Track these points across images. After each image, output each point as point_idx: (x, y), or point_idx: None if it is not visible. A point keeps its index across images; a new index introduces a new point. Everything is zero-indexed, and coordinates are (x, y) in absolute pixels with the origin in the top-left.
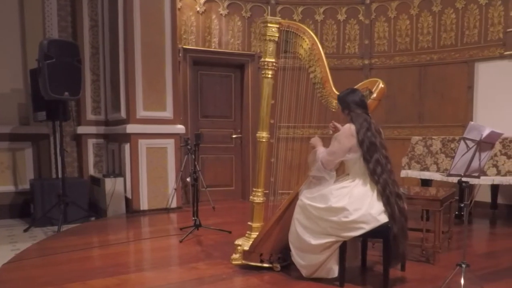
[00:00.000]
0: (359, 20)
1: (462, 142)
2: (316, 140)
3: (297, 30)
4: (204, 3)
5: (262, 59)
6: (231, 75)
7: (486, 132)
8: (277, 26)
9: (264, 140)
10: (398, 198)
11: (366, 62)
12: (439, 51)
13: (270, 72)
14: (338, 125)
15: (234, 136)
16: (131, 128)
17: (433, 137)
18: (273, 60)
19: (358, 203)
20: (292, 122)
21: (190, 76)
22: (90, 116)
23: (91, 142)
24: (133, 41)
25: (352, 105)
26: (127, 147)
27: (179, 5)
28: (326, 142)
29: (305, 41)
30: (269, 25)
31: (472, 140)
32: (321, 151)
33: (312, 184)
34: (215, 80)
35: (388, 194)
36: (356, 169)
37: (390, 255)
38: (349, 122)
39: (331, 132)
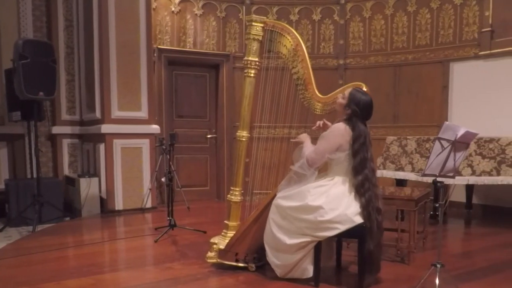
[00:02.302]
0: (334, 20)
1: (437, 142)
2: (304, 136)
3: (282, 30)
4: (179, 3)
5: (245, 58)
6: (206, 75)
7: (461, 132)
8: (262, 25)
9: (244, 139)
10: (378, 213)
11: (341, 62)
12: (414, 51)
13: (252, 71)
14: (328, 123)
15: (209, 136)
16: (106, 128)
17: (408, 137)
18: (256, 59)
19: (334, 203)
20: (270, 122)
21: (165, 76)
22: (65, 116)
23: (66, 142)
24: (108, 41)
25: (359, 106)
26: (102, 147)
27: (154, 5)
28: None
29: (289, 41)
30: (254, 24)
31: (447, 140)
32: (308, 147)
33: (292, 181)
34: (190, 80)
35: (370, 211)
36: (338, 169)
37: (365, 267)
38: (344, 121)
39: (320, 123)
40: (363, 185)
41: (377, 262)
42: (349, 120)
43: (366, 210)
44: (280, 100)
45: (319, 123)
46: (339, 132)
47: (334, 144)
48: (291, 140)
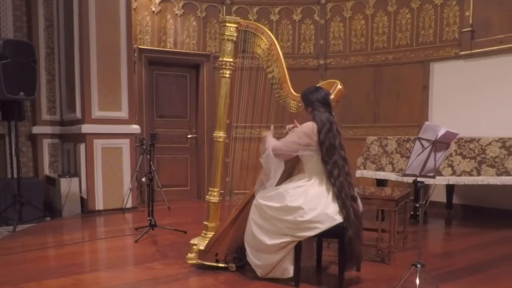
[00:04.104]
0: (314, 20)
1: (417, 142)
2: (266, 132)
3: (256, 30)
4: (159, 3)
5: (220, 59)
6: (187, 75)
7: (441, 132)
8: (236, 25)
9: (221, 140)
10: (353, 200)
11: (322, 62)
12: (395, 51)
13: (228, 72)
14: (298, 125)
15: (189, 136)
16: (86, 128)
17: (388, 137)
18: (231, 59)
19: (313, 203)
20: (248, 122)
21: (146, 76)
22: (45, 116)
23: (46, 142)
24: (88, 41)
25: (316, 103)
26: (82, 147)
27: (134, 5)
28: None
29: (263, 41)
30: (227, 24)
31: (428, 140)
32: (270, 138)
33: (264, 180)
34: (171, 80)
35: (343, 197)
36: (311, 166)
37: (345, 256)
38: (312, 120)
39: (290, 127)
40: (332, 173)
41: (358, 251)
42: (314, 118)
43: (339, 199)
44: (257, 99)
45: (289, 127)
46: (309, 130)
47: (302, 140)
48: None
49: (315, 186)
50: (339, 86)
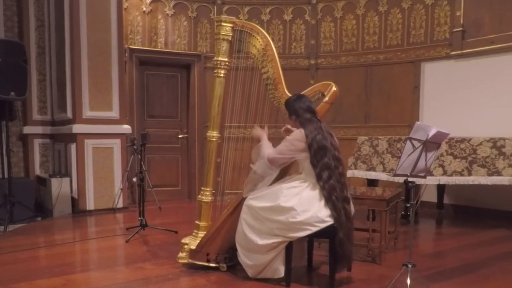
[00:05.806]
0: (305, 20)
1: (408, 142)
2: (260, 132)
3: (251, 30)
4: (150, 3)
5: (215, 58)
6: (177, 75)
7: (432, 132)
8: (231, 25)
9: (214, 139)
10: (346, 202)
11: (312, 62)
12: (385, 51)
13: (222, 72)
14: (291, 128)
15: (180, 136)
16: (77, 128)
17: (379, 137)
18: (226, 59)
19: (306, 205)
20: (241, 122)
21: (137, 76)
22: (36, 116)
23: (37, 142)
24: (79, 41)
25: (300, 111)
26: (73, 147)
27: (125, 5)
28: (276, 142)
29: (259, 41)
30: (223, 24)
31: (418, 140)
32: (266, 147)
33: (255, 180)
34: (162, 80)
35: (334, 200)
36: (307, 169)
37: (336, 257)
38: (299, 126)
39: (282, 130)
40: (321, 176)
41: (349, 252)
42: (301, 124)
43: (329, 201)
44: (251, 100)
45: (284, 129)
46: (298, 134)
47: (295, 147)
48: (251, 135)
49: (309, 189)
50: (334, 88)
